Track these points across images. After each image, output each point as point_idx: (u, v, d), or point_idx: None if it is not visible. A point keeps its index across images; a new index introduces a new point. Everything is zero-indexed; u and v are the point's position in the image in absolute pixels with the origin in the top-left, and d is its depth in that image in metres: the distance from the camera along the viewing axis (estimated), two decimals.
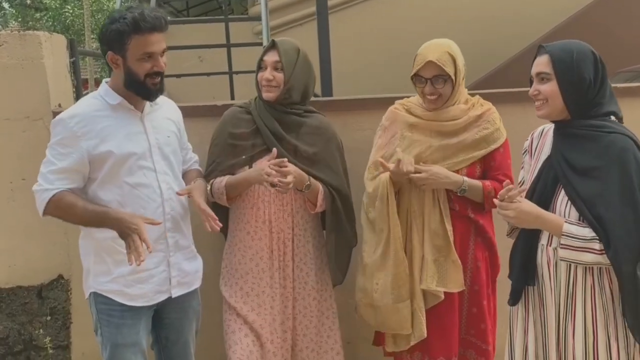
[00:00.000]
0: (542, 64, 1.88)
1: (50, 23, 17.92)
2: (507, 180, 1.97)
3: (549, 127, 2.00)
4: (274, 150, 2.21)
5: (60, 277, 2.80)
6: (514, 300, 2.03)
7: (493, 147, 2.30)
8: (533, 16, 6.91)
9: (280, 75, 2.31)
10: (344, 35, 6.27)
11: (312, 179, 2.31)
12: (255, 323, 2.34)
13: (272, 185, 2.17)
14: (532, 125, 2.14)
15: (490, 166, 2.32)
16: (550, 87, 1.86)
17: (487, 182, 2.28)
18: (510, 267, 2.05)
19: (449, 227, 2.30)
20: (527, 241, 1.96)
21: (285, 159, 2.19)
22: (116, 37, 1.92)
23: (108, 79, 2.09)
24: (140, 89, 1.99)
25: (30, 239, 2.75)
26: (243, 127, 2.36)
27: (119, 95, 2.01)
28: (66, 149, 1.95)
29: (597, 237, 1.77)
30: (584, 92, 1.84)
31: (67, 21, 17.61)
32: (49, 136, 2.68)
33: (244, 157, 2.33)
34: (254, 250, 2.34)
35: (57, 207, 1.96)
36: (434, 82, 2.26)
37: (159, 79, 2.00)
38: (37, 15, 18.89)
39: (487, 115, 2.32)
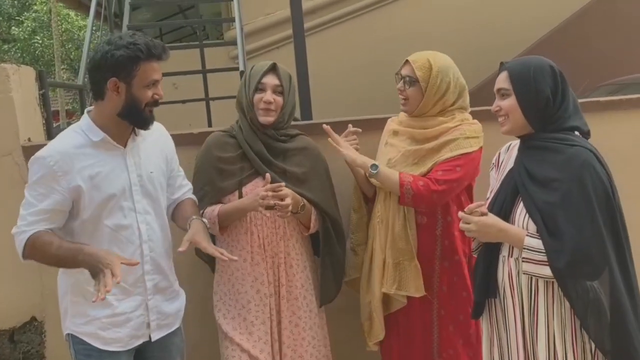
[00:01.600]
0: (501, 80, 1.95)
1: (19, 54, 17.89)
2: (482, 203, 1.95)
3: (516, 143, 2.05)
4: (267, 175, 2.21)
5: (34, 319, 2.75)
6: (476, 313, 2.06)
7: (455, 153, 2.29)
8: (513, 32, 7.07)
9: (280, 100, 2.35)
10: (322, 57, 6.34)
11: (304, 199, 2.34)
12: (264, 352, 2.32)
13: (268, 208, 2.18)
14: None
15: (436, 167, 2.31)
16: (510, 102, 1.92)
17: (408, 175, 2.28)
18: (472, 280, 2.08)
19: (412, 232, 2.35)
20: (487, 253, 1.99)
21: (283, 183, 2.21)
22: (125, 62, 1.90)
23: (90, 108, 2.05)
24: (138, 118, 1.98)
25: (1, 279, 2.70)
26: (230, 151, 2.37)
27: (102, 131, 1.98)
28: (46, 189, 1.91)
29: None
30: (542, 106, 1.88)
31: (37, 52, 17.60)
32: (20, 172, 2.69)
33: (232, 180, 2.33)
34: (253, 276, 2.34)
35: (34, 248, 1.91)
36: (405, 82, 2.36)
37: (153, 108, 2.01)
38: (5, 47, 18.86)
39: (462, 127, 2.35)
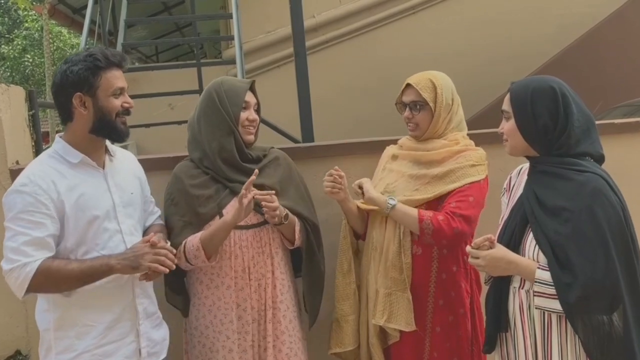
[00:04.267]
0: (505, 101, 1.96)
1: (9, 73, 18.09)
2: (490, 236, 1.92)
3: (527, 166, 2.03)
4: (256, 171, 2.21)
5: (18, 353, 2.72)
6: (487, 347, 2.04)
7: (460, 183, 2.28)
8: (523, 51, 7.12)
9: (258, 118, 2.41)
10: (324, 76, 6.39)
11: (286, 209, 2.33)
12: None
13: (257, 205, 2.20)
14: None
15: (448, 198, 2.29)
16: (510, 125, 1.93)
17: (427, 212, 2.25)
18: (485, 312, 2.06)
19: (406, 261, 2.32)
20: (498, 284, 1.97)
21: (273, 192, 2.23)
22: (86, 75, 1.94)
23: (61, 134, 2.07)
24: (111, 130, 2.00)
25: None
26: (199, 176, 2.35)
27: (80, 152, 2.00)
28: (35, 216, 1.89)
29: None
30: (541, 130, 1.86)
31: (27, 71, 17.79)
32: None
33: (211, 204, 2.31)
34: (236, 303, 2.31)
35: (48, 277, 1.87)
36: (411, 108, 2.36)
37: (125, 118, 2.04)
38: None
39: (467, 153, 2.35)
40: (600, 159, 1.91)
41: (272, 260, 2.35)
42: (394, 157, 2.49)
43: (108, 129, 2.00)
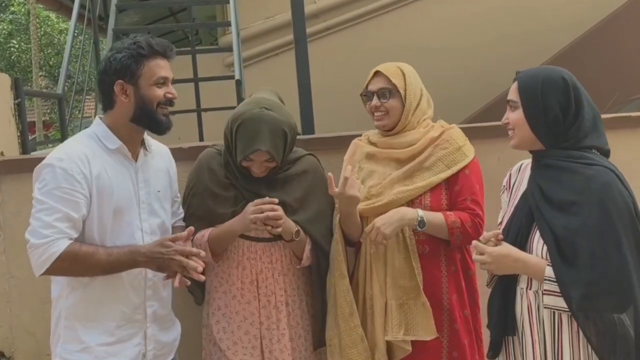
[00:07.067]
0: (512, 91, 1.96)
1: None
2: (499, 232, 1.94)
3: (528, 162, 2.04)
4: (272, 200, 2.20)
5: (2, 354, 2.73)
6: (493, 352, 2.04)
7: (455, 169, 2.31)
8: (534, 41, 7.10)
9: (271, 165, 2.31)
10: (325, 65, 6.37)
11: (299, 226, 2.31)
12: None
13: (265, 224, 2.17)
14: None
15: (454, 191, 2.32)
16: (517, 116, 1.93)
17: (450, 213, 2.27)
18: (488, 315, 2.05)
19: (416, 265, 2.30)
20: (503, 285, 1.97)
21: (276, 200, 2.20)
22: (129, 62, 2.00)
23: (101, 115, 2.11)
24: (151, 120, 2.04)
25: None
26: (223, 174, 2.35)
27: (119, 139, 2.04)
28: (71, 194, 1.91)
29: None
30: (551, 122, 1.87)
31: (13, 57, 17.74)
32: None
33: (226, 210, 2.31)
34: (242, 315, 2.33)
35: (74, 259, 1.89)
36: (380, 95, 2.36)
37: (168, 109, 2.07)
38: None
39: (446, 135, 2.36)
40: (606, 154, 1.92)
41: (283, 278, 2.35)
42: (370, 156, 2.43)
43: (148, 118, 2.04)
